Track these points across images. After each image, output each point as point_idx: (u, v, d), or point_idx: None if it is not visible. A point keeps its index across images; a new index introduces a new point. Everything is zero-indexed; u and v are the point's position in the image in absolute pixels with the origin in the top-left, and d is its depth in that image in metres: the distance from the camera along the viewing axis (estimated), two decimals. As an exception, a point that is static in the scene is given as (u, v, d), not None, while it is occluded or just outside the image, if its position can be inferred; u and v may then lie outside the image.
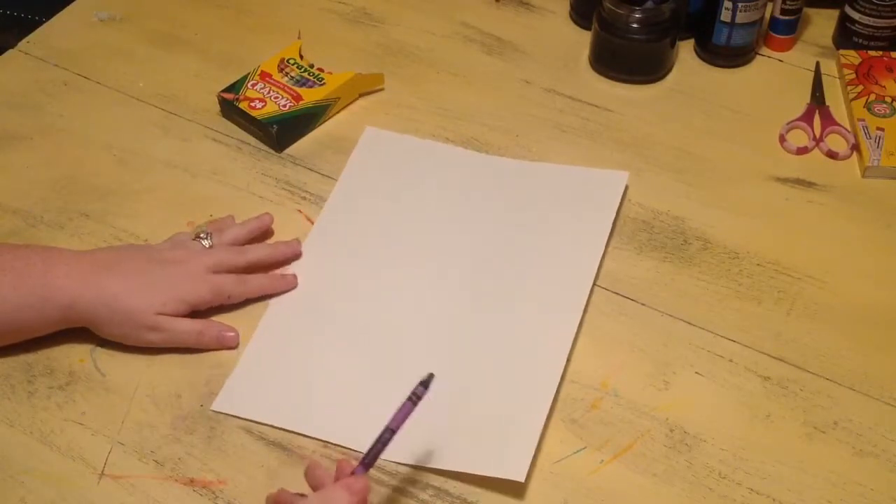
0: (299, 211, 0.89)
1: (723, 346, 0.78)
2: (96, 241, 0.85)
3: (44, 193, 0.91)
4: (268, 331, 0.79)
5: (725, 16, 0.99)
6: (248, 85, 0.96)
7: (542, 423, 0.71)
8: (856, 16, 1.02)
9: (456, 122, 0.97)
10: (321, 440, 0.72)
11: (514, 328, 0.78)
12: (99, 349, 0.78)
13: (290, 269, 0.83)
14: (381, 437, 0.63)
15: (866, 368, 0.77)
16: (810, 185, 0.91)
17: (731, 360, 0.77)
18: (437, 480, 0.71)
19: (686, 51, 1.05)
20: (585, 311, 0.80)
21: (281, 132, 0.93)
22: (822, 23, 1.07)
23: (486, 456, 0.70)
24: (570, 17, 1.09)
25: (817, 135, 0.95)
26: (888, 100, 0.97)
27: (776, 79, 1.02)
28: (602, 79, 1.02)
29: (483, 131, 0.96)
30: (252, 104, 0.94)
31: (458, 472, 0.70)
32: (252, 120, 0.94)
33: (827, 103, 0.98)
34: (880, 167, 0.91)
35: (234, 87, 0.96)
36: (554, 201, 0.88)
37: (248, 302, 0.81)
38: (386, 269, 0.83)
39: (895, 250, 0.86)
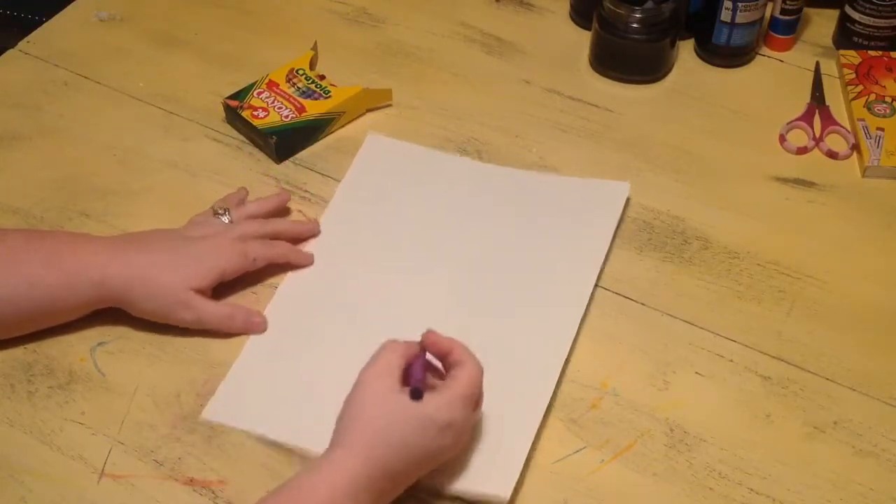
0: (300, 211, 0.89)
1: (723, 346, 0.78)
2: (96, 241, 0.86)
3: (44, 193, 0.91)
4: (262, 337, 0.78)
5: (725, 16, 0.99)
6: (254, 93, 0.96)
7: (531, 441, 0.70)
8: (856, 16, 1.02)
9: (456, 122, 0.97)
10: (316, 452, 0.68)
11: (509, 340, 0.77)
12: (99, 349, 0.78)
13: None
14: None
15: (866, 368, 0.77)
16: (810, 185, 0.91)
17: (731, 360, 0.77)
18: (437, 480, 0.71)
19: (686, 51, 1.05)
20: (586, 312, 0.79)
21: (280, 143, 0.92)
22: (822, 23, 1.07)
23: (472, 471, 0.69)
24: (570, 17, 1.10)
25: (817, 135, 0.95)
26: (888, 100, 0.97)
27: (776, 79, 1.02)
28: (602, 79, 1.02)
29: (483, 131, 0.96)
30: (255, 113, 0.94)
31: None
32: (253, 129, 0.93)
33: (827, 103, 0.98)
34: (880, 167, 0.91)
35: (240, 95, 0.96)
36: (555, 211, 0.87)
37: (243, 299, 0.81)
38: (384, 277, 0.83)
39: (895, 250, 0.86)
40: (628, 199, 0.89)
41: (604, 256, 0.83)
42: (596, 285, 0.82)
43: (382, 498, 0.64)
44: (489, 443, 0.71)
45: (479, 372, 0.66)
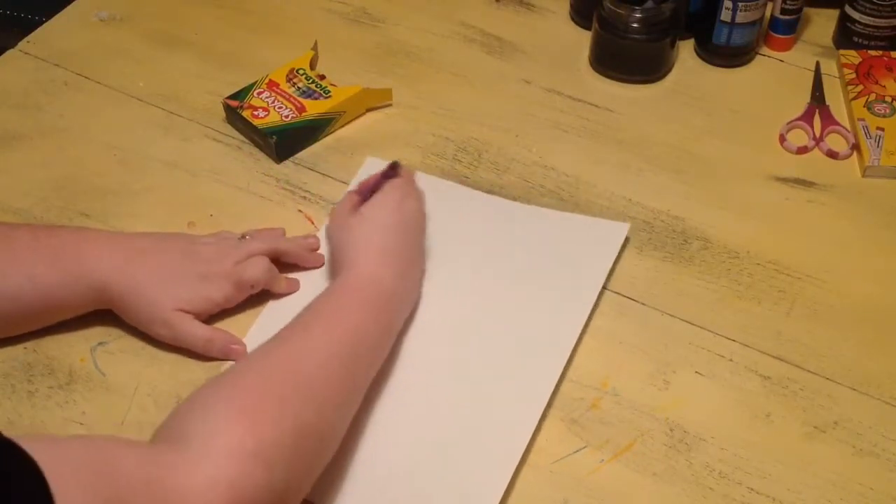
0: (300, 211, 0.89)
1: (723, 346, 0.78)
2: (96, 241, 0.85)
3: (44, 193, 0.91)
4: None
5: (725, 16, 0.99)
6: (254, 93, 0.95)
7: (512, 472, 0.69)
8: (856, 15, 1.02)
9: (456, 122, 0.97)
10: None
11: (493, 374, 0.76)
12: (99, 349, 0.78)
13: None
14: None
15: (866, 368, 0.77)
16: (810, 184, 0.91)
17: (731, 360, 0.77)
18: (437, 480, 0.71)
19: (686, 51, 1.05)
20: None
21: (280, 143, 0.92)
22: (822, 22, 1.07)
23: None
24: (570, 17, 1.10)
25: (817, 134, 0.95)
26: (888, 99, 0.97)
27: (776, 79, 1.02)
28: (602, 79, 1.02)
29: (483, 131, 0.96)
30: (255, 113, 0.94)
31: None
32: (253, 129, 0.93)
33: (827, 103, 0.98)
34: (880, 167, 0.91)
35: (240, 95, 0.96)
36: (550, 248, 0.85)
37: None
38: None
39: (895, 250, 0.86)
40: (629, 199, 0.89)
41: (594, 300, 0.80)
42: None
43: (405, 278, 0.76)
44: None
45: (408, 168, 0.82)
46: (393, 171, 0.80)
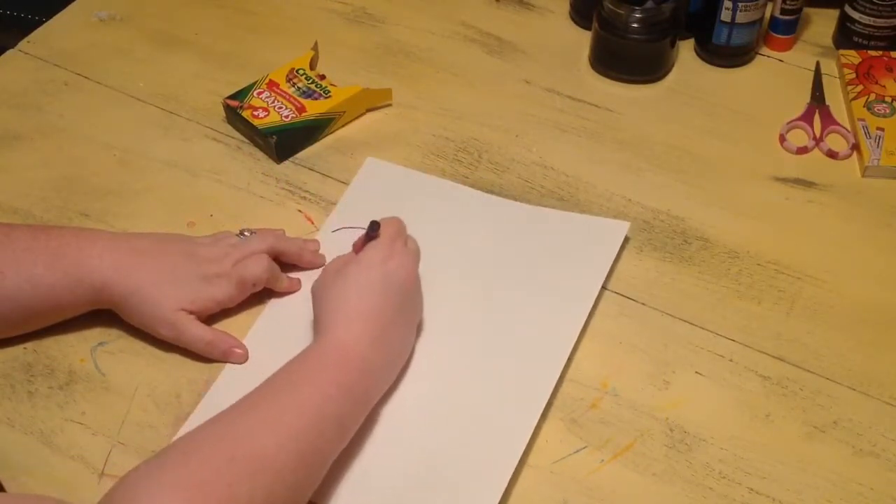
0: (300, 211, 0.89)
1: (723, 346, 0.78)
2: (96, 241, 0.85)
3: (44, 193, 0.91)
4: (240, 367, 0.77)
5: (725, 16, 0.99)
6: (254, 93, 0.95)
7: (511, 473, 0.69)
8: (856, 15, 1.02)
9: (456, 122, 0.97)
10: None
11: (493, 374, 0.76)
12: (99, 349, 0.78)
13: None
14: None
15: (866, 368, 0.77)
16: (810, 184, 0.91)
17: (731, 360, 0.77)
18: (438, 480, 0.71)
19: (686, 51, 1.05)
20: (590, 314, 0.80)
21: (281, 143, 0.92)
22: (822, 23, 1.07)
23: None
24: (570, 17, 1.10)
25: (817, 134, 0.95)
26: (888, 99, 0.97)
27: (776, 79, 1.02)
28: (602, 79, 1.02)
29: (483, 131, 0.96)
30: (255, 113, 0.94)
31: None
32: (253, 129, 0.93)
33: (827, 103, 0.99)
34: (880, 167, 0.91)
35: (240, 95, 0.96)
36: (550, 247, 0.84)
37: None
38: None
39: (895, 250, 0.86)
40: (628, 199, 0.89)
41: (594, 299, 0.80)
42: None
43: (382, 343, 0.71)
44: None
45: (397, 221, 0.77)
46: (373, 231, 0.75)
